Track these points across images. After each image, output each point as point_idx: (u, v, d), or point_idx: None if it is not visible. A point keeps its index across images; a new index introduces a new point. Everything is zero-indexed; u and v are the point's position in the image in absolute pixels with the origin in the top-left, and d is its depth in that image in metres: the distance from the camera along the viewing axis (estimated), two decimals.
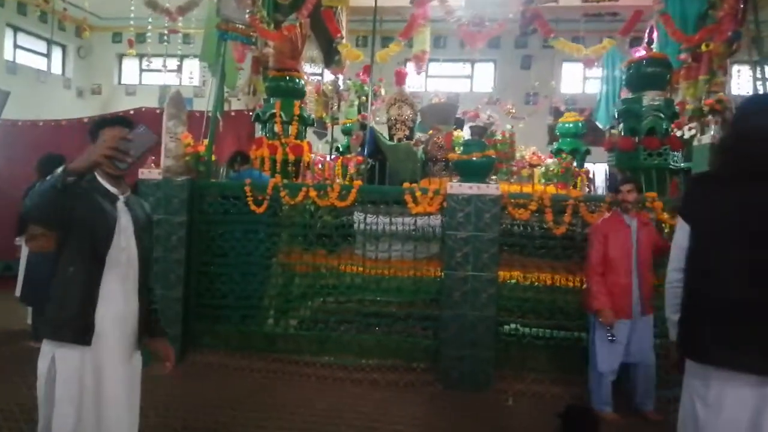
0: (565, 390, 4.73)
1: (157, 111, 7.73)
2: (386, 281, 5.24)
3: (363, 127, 6.94)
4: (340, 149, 8.76)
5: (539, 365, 4.93)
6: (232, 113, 7.80)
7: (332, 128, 9.70)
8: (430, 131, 6.74)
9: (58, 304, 2.24)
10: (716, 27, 5.11)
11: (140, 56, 14.60)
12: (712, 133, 6.13)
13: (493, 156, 4.91)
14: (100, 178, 2.30)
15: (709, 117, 6.25)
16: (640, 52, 6.72)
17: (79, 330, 2.20)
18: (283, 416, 4.19)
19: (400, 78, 7.18)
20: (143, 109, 7.81)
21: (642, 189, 4.27)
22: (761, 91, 4.93)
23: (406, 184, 5.01)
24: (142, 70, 16.87)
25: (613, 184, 7.69)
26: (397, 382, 4.92)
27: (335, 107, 9.28)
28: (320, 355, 5.23)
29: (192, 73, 11.99)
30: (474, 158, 4.72)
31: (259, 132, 6.90)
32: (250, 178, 5.38)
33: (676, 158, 5.52)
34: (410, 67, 8.16)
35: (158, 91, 16.28)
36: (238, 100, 8.47)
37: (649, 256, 4.17)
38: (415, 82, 8.72)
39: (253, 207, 5.21)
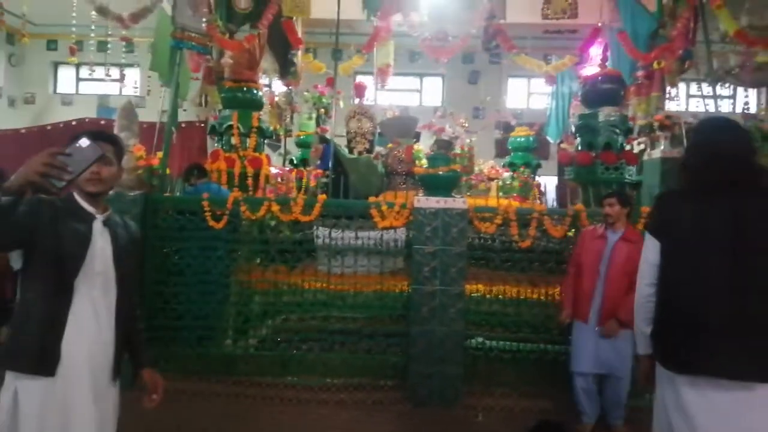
0: (534, 403, 4.73)
1: (102, 122, 7.38)
2: (351, 297, 5.13)
3: (323, 140, 6.82)
4: (294, 162, 8.61)
5: (507, 379, 4.92)
6: (182, 125, 7.52)
7: (285, 140, 9.54)
8: (390, 144, 6.70)
9: (16, 331, 2.05)
10: (669, 46, 5.32)
11: (78, 65, 13.96)
12: (661, 147, 6.40)
13: (459, 170, 4.90)
14: (77, 196, 2.12)
15: (659, 132, 6.53)
16: (587, 70, 6.95)
17: (38, 360, 2.00)
18: None
19: (360, 91, 7.12)
20: (86, 120, 7.43)
21: (627, 203, 4.24)
22: (712, 107, 5.15)
23: (371, 198, 4.92)
24: (79, 79, 16.14)
25: (563, 197, 7.87)
26: (364, 401, 4.79)
27: (288, 119, 9.13)
28: (283, 376, 5.04)
29: (136, 82, 11.53)
30: (440, 172, 4.69)
31: (214, 144, 6.68)
32: (209, 192, 5.16)
33: (631, 172, 5.69)
34: (367, 80, 8.13)
35: (96, 100, 15.65)
36: (184, 110, 8.19)
37: (622, 271, 4.11)
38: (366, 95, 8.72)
39: (211, 222, 4.99)
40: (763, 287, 2.06)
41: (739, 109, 7.88)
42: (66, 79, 16.41)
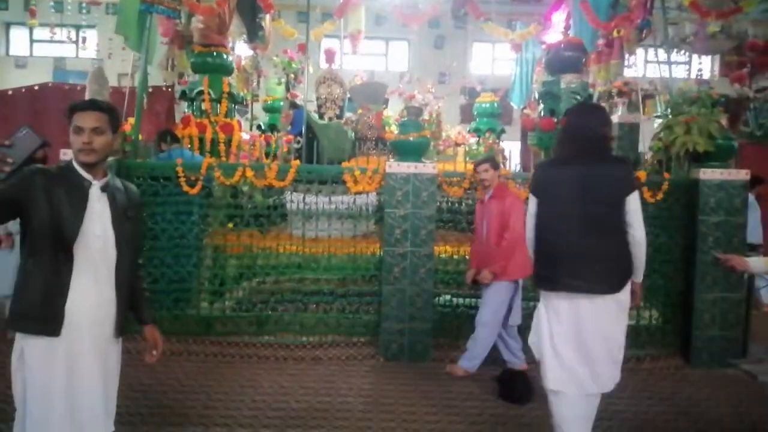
0: (496, 355, 5.03)
1: (66, 87, 7.24)
2: (325, 259, 5.32)
3: (293, 105, 6.87)
4: (262, 127, 8.63)
5: (471, 333, 5.21)
6: (149, 89, 7.43)
7: (252, 105, 9.50)
8: (360, 110, 6.80)
9: (19, 296, 2.17)
10: (628, 15, 5.54)
11: (32, 27, 13.44)
12: (619, 113, 6.69)
13: (429, 136, 5.08)
14: (75, 164, 2.22)
15: (617, 98, 6.81)
16: (549, 37, 7.14)
17: (43, 321, 2.14)
18: (230, 397, 4.18)
19: (330, 57, 7.15)
20: (49, 84, 7.27)
21: (498, 166, 4.68)
22: (667, 74, 5.41)
23: (344, 164, 5.07)
24: (33, 41, 15.53)
25: (527, 162, 8.13)
26: (339, 357, 5.03)
27: (255, 84, 9.08)
28: (260, 335, 5.23)
29: (98, 44, 11.20)
30: (411, 138, 4.86)
31: (182, 109, 6.66)
32: (182, 157, 5.22)
33: None
34: (334, 44, 8.14)
35: (52, 63, 15.13)
36: (148, 74, 8.07)
37: (497, 225, 4.56)
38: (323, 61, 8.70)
39: (185, 188, 5.07)
40: (600, 228, 2.85)
41: (693, 75, 8.22)
42: (19, 40, 15.76)
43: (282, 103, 7.41)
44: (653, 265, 5.17)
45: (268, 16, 7.17)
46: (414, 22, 5.54)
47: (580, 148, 2.97)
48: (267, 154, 6.49)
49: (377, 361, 4.98)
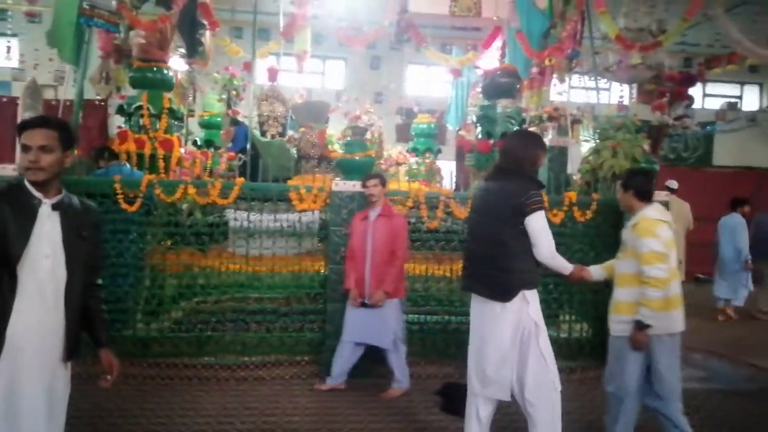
0: (439, 369, 5.18)
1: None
2: (269, 278, 5.29)
3: (234, 122, 6.83)
4: (198, 143, 8.48)
5: (415, 349, 5.31)
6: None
7: (187, 120, 9.33)
8: (302, 128, 6.84)
9: None
10: (559, 45, 5.91)
11: None
12: (549, 136, 7.06)
13: (374, 155, 5.20)
14: (26, 182, 2.16)
15: (547, 122, 7.20)
16: (485, 63, 7.48)
17: None
18: (172, 420, 4.09)
19: (272, 74, 7.16)
20: None
21: (385, 183, 4.70)
22: (593, 99, 5.78)
23: (290, 182, 5.09)
24: None
25: (466, 180, 8.40)
26: (282, 377, 5.01)
27: (191, 98, 8.93)
28: (200, 356, 5.12)
29: (21, 54, 10.67)
30: (357, 157, 4.95)
31: (116, 124, 6.48)
32: (121, 174, 5.08)
33: None
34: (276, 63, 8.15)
35: None
36: (73, 86, 7.80)
37: (384, 244, 4.55)
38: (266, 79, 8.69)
39: (124, 205, 4.93)
40: (489, 239, 3.11)
41: (614, 101, 8.78)
42: None
43: (221, 120, 7.34)
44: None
45: (208, 32, 7.12)
46: (357, 44, 5.67)
47: (495, 166, 3.35)
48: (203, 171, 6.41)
49: (321, 380, 4.98)
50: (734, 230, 8.34)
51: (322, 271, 5.23)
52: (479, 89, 7.91)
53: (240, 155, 6.48)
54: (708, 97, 17.15)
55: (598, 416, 4.41)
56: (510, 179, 3.12)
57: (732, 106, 17.73)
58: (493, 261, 3.06)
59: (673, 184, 8.61)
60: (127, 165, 5.52)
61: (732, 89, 17.92)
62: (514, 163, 3.16)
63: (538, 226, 3.01)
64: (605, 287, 5.48)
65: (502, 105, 6.00)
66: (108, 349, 2.44)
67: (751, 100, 18.12)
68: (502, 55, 6.14)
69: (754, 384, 5.39)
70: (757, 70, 13.66)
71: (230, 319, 5.21)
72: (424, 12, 6.83)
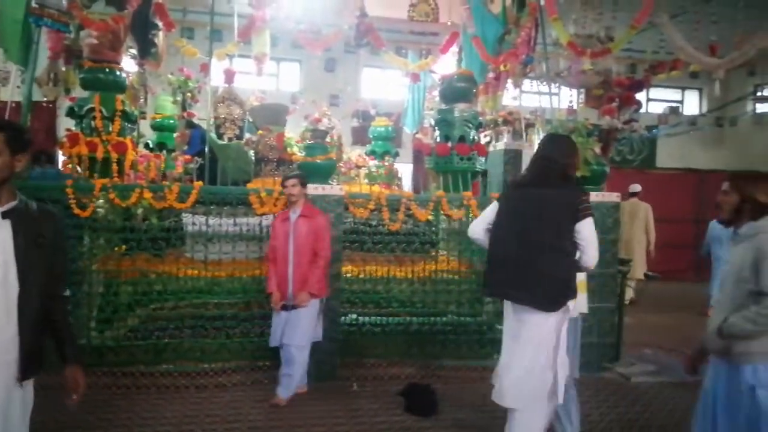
0: (401, 370, 5.22)
1: None
2: (228, 283, 5.22)
3: (190, 125, 6.70)
4: (150, 146, 8.28)
5: (377, 351, 5.36)
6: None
7: (138, 123, 9.08)
8: (260, 131, 6.78)
9: None
10: (514, 51, 6.06)
11: None
12: (504, 140, 7.21)
13: (335, 158, 5.20)
14: None
15: (502, 126, 7.35)
16: (442, 68, 7.60)
17: None
18: (130, 430, 3.99)
19: (229, 76, 7.06)
20: None
21: (306, 183, 4.61)
22: (546, 104, 5.94)
23: (249, 185, 5.05)
24: None
25: (425, 183, 8.50)
26: (244, 383, 4.95)
27: (142, 100, 8.71)
28: (157, 364, 5.01)
29: None
30: (318, 160, 4.95)
31: (64, 127, 6.25)
32: (44, 179, 4.97)
33: (481, 162, 6.39)
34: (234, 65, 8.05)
35: None
36: (18, 87, 7.48)
37: (305, 244, 4.48)
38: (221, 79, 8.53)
39: (76, 210, 4.78)
40: (537, 248, 3.04)
41: (564, 106, 9.03)
42: None
43: (174, 122, 7.18)
44: None
45: (161, 33, 6.95)
46: (317, 47, 5.68)
47: (538, 172, 3.23)
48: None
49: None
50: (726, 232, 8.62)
51: None
52: (435, 93, 8.03)
53: (197, 158, 6.36)
54: (651, 101, 17.88)
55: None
56: (561, 186, 3.13)
57: (674, 111, 18.52)
58: (542, 268, 3.02)
59: (636, 187, 9.15)
60: (54, 168, 5.35)
61: (674, 94, 18.73)
62: (560, 170, 3.17)
63: (589, 232, 3.03)
64: None
65: (460, 109, 6.10)
66: (76, 366, 2.29)
67: (691, 104, 18.99)
68: (459, 60, 6.26)
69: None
70: (698, 76, 14.28)
71: (189, 325, 5.11)
72: (383, 16, 6.89)
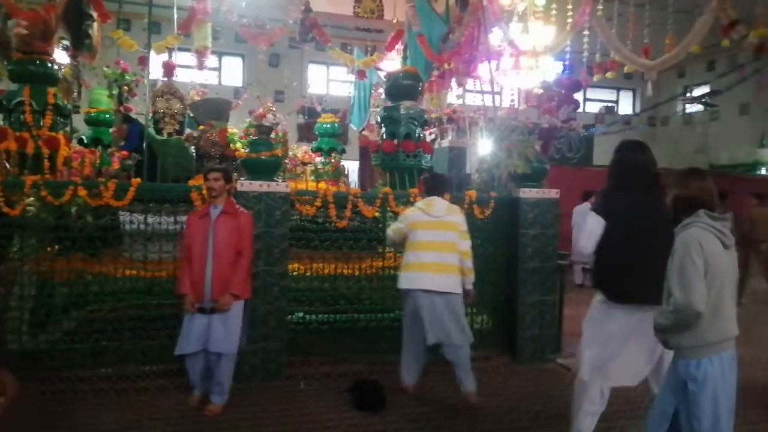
0: (349, 367, 5.22)
1: None
2: (168, 283, 5.07)
3: (127, 119, 6.47)
4: (84, 141, 7.96)
5: (325, 348, 5.34)
6: None
7: (71, 117, 8.70)
8: (202, 126, 6.61)
9: None
10: (458, 50, 6.15)
11: None
12: (449, 138, 7.33)
13: (280, 155, 5.13)
14: None
15: (447, 124, 7.46)
16: (387, 65, 7.64)
17: None
18: None
19: (168, 70, 6.85)
20: None
21: (229, 179, 4.40)
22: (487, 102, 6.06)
23: (191, 182, 4.92)
24: None
25: (372, 180, 8.51)
26: (187, 385, 4.80)
27: (75, 94, 8.34)
28: (96, 368, 4.81)
29: None
30: (262, 157, 4.87)
31: None
32: None
33: (426, 159, 6.46)
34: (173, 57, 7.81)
35: None
36: None
37: (227, 243, 4.25)
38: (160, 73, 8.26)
39: (5, 209, 4.54)
40: (662, 251, 2.97)
41: (506, 105, 9.26)
42: None
43: (111, 116, 6.91)
44: (482, 274, 5.77)
45: (95, 24, 6.67)
46: (261, 42, 5.58)
47: (650, 181, 3.45)
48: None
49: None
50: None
51: None
52: (381, 90, 8.06)
53: (134, 154, 6.14)
54: (588, 101, 18.54)
55: (498, 403, 4.67)
56: (661, 194, 3.22)
57: (609, 110, 19.31)
58: (662, 270, 3.04)
59: None
60: None
61: (609, 94, 19.51)
62: (657, 178, 3.44)
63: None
64: (503, 280, 5.81)
65: (406, 106, 6.14)
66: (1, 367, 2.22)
67: (626, 104, 19.81)
68: (404, 58, 6.30)
69: None
70: (631, 77, 14.94)
71: (129, 327, 4.93)
72: (328, 11, 6.85)
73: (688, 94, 16.32)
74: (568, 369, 5.59)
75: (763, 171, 15.88)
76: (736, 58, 13.05)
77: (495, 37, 6.75)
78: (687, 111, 17.68)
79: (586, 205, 10.41)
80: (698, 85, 16.25)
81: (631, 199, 3.41)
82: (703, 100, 15.33)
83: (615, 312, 3.48)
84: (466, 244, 4.57)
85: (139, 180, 4.97)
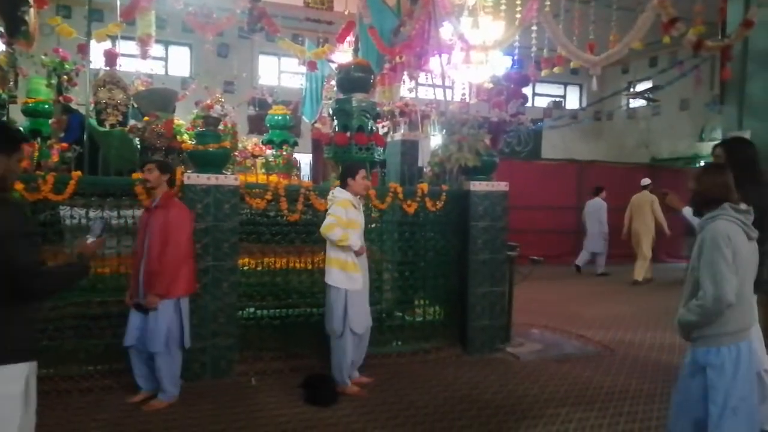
0: (302, 362, 5.19)
1: None
2: (112, 280, 4.91)
3: (67, 110, 6.19)
4: (22, 132, 7.59)
5: (277, 344, 5.28)
6: None
7: (8, 107, 8.28)
8: (146, 117, 6.40)
9: None
10: (409, 43, 6.16)
11: None
12: (401, 131, 7.33)
13: (229, 147, 5.03)
14: None
15: (399, 118, 7.47)
16: (339, 57, 7.58)
17: None
18: None
19: (111, 58, 6.58)
20: None
21: (167, 170, 4.28)
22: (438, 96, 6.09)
23: (135, 175, 4.76)
24: None
25: (324, 173, 8.44)
26: (132, 384, 4.67)
27: (12, 83, 7.94)
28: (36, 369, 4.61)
29: None
30: (210, 149, 4.76)
31: None
32: None
33: (379, 152, 6.44)
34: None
35: None
36: None
37: (159, 238, 4.13)
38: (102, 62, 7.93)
39: None
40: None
41: (458, 98, 9.34)
42: None
43: (50, 107, 6.60)
44: (434, 266, 5.83)
45: (32, 11, 6.35)
46: (209, 31, 5.43)
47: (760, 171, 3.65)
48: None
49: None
50: (598, 211, 11.24)
51: None
52: (333, 82, 7.98)
53: (75, 146, 5.89)
54: (537, 96, 18.93)
55: (450, 393, 4.73)
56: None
57: (557, 105, 19.78)
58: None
59: (646, 181, 10.79)
60: None
61: (557, 89, 19.97)
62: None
63: None
64: (454, 271, 5.88)
65: (357, 99, 6.10)
66: None
67: (573, 99, 20.33)
68: (356, 50, 6.26)
69: (582, 352, 6.09)
70: (578, 72, 15.35)
71: (71, 326, 4.75)
72: (277, 2, 6.73)
73: (631, 90, 16.86)
74: (517, 358, 5.73)
75: (702, 163, 16.63)
76: (677, 54, 13.55)
77: (445, 31, 6.79)
78: (631, 106, 18.28)
79: (598, 199, 11.40)
80: (641, 80, 16.80)
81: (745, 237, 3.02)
82: (646, 95, 15.87)
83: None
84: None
85: (79, 173, 4.78)
